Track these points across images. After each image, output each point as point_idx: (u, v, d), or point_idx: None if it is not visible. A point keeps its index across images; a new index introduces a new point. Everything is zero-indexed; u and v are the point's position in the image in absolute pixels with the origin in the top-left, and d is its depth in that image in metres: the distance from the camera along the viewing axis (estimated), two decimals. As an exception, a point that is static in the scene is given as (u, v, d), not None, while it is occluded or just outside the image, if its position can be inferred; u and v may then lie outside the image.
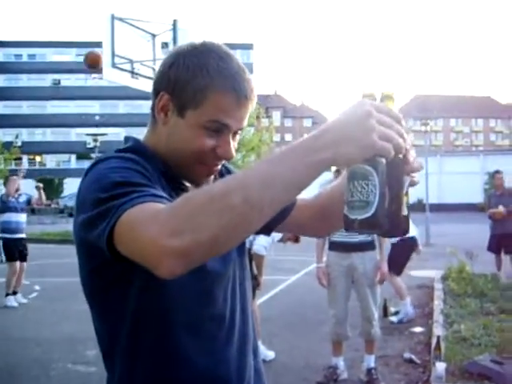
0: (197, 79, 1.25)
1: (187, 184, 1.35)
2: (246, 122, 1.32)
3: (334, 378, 5.21)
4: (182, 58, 1.28)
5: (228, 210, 0.96)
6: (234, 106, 1.26)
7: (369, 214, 1.01)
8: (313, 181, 1.01)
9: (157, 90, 1.31)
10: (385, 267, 5.18)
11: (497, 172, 10.18)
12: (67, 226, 18.42)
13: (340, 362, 5.30)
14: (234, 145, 1.31)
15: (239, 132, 1.32)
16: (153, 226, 0.98)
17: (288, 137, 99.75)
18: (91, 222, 1.11)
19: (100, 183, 1.13)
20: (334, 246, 5.20)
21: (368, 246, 5.12)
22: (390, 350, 6.12)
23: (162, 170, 1.29)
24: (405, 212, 1.08)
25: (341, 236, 5.08)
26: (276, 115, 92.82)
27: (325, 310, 5.48)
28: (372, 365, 5.20)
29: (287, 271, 11.29)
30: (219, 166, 1.33)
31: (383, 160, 1.01)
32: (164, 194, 1.13)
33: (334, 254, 5.22)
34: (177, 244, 0.95)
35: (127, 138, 1.39)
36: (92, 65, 8.06)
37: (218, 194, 0.97)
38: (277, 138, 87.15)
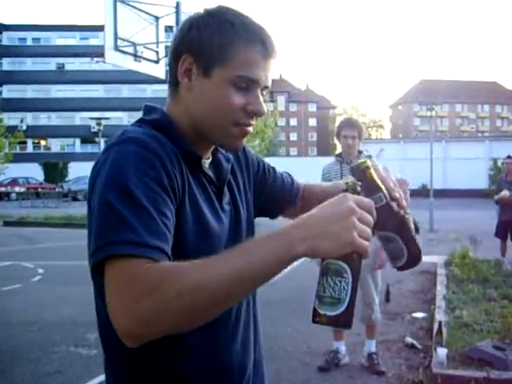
0: (222, 34, 1.20)
1: (205, 165, 1.31)
2: (270, 81, 1.28)
3: (335, 362, 5.21)
4: (200, 19, 1.23)
5: (194, 308, 0.99)
6: (262, 59, 1.22)
7: (338, 312, 1.02)
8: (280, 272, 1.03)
9: (177, 55, 1.24)
10: (382, 253, 5.14)
11: (509, 157, 10.09)
12: (71, 209, 18.43)
13: (341, 347, 5.30)
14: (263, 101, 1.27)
15: (264, 92, 1.28)
16: (125, 309, 0.98)
17: (293, 121, 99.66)
18: (92, 220, 1.11)
19: (114, 179, 1.08)
20: None
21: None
22: (392, 335, 6.12)
23: (184, 150, 1.24)
24: (419, 243, 1.21)
25: None
26: (281, 100, 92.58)
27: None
28: (373, 350, 5.19)
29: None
30: (252, 127, 1.29)
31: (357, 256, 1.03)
32: (162, 227, 1.07)
33: None
34: (140, 332, 0.99)
35: (151, 108, 1.31)
36: None
37: (188, 291, 0.97)
38: (282, 122, 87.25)
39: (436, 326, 5.40)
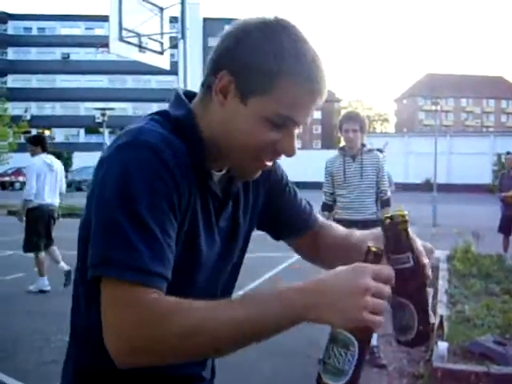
0: (268, 63, 1.08)
1: (214, 179, 1.22)
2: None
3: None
4: (252, 35, 1.11)
5: (191, 349, 1.00)
6: (307, 98, 1.11)
7: (340, 383, 0.99)
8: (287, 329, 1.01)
9: (217, 67, 1.13)
10: None
11: (508, 153, 10.15)
12: (74, 200, 18.48)
13: (342, 340, 5.31)
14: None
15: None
16: (124, 335, 0.99)
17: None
18: (95, 228, 1.06)
19: (123, 195, 1.02)
20: (339, 224, 5.19)
21: (372, 225, 5.08)
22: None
23: (198, 160, 1.15)
24: (432, 319, 1.11)
25: (346, 213, 5.10)
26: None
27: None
28: (374, 343, 5.21)
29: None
30: (272, 162, 1.19)
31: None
32: (166, 250, 1.04)
33: None
34: (133, 360, 1.01)
35: (181, 101, 1.21)
36: None
37: (188, 333, 0.97)
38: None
39: (437, 320, 5.40)
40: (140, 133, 1.08)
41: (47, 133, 64.42)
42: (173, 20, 9.09)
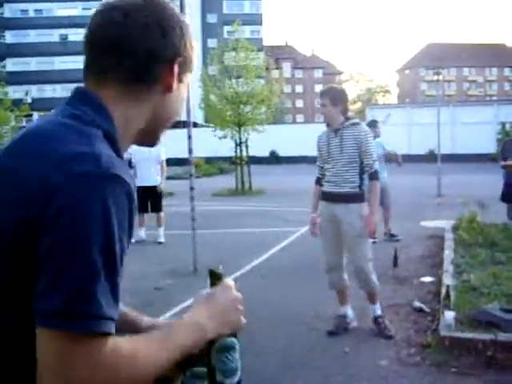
0: (190, 36, 1.22)
1: None
2: None
3: (343, 326, 5.28)
4: (176, 18, 1.20)
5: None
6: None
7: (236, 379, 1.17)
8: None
9: (165, 55, 1.16)
10: (372, 220, 5.09)
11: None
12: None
13: (348, 311, 5.35)
14: None
15: None
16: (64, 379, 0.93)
17: (299, 88, 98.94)
18: (59, 252, 0.95)
19: (101, 234, 0.96)
20: (324, 196, 5.31)
21: (354, 198, 5.10)
22: (400, 300, 6.17)
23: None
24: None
25: (329, 186, 5.20)
26: (286, 66, 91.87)
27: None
28: (378, 313, 5.25)
29: (297, 223, 11.36)
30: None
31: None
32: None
33: (323, 204, 5.30)
34: None
35: (99, 105, 1.13)
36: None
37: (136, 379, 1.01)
38: (287, 89, 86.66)
39: (444, 290, 5.44)
40: (102, 161, 1.00)
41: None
42: None
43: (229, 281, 1.22)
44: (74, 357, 0.94)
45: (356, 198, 5.10)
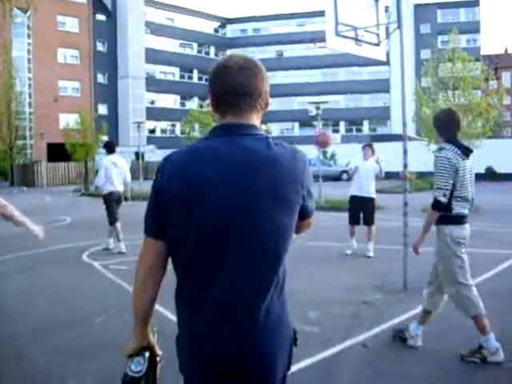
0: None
1: None
2: None
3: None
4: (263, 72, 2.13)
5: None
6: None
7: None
8: None
9: (262, 91, 2.03)
10: None
11: None
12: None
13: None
14: None
15: None
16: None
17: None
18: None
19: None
20: None
21: None
22: None
23: None
24: None
25: None
26: (506, 76, 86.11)
27: None
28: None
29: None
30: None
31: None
32: None
33: None
34: None
35: (253, 128, 2.02)
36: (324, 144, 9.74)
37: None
38: (507, 100, 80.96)
39: None
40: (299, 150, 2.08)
41: (264, 128, 67.72)
42: (386, 10, 8.95)
43: None
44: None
45: None
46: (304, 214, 1.99)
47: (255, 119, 1.97)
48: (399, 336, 5.34)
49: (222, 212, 1.79)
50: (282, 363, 1.88)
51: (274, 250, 1.85)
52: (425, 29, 67.27)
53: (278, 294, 1.87)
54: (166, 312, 5.44)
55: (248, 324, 1.80)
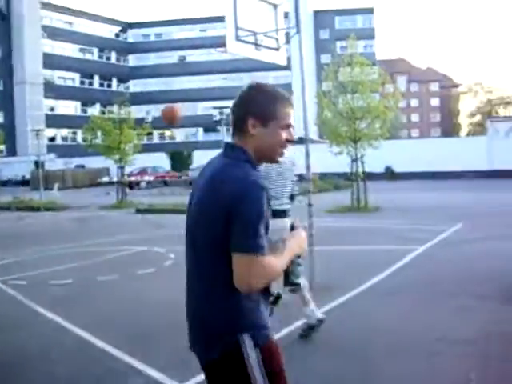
0: (272, 103, 2.22)
1: None
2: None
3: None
4: (254, 94, 2.25)
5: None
6: (292, 111, 2.28)
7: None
8: None
9: (246, 116, 2.21)
10: None
11: None
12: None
13: None
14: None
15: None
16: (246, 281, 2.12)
17: (414, 102, 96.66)
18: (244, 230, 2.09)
19: (257, 209, 2.09)
20: None
21: None
22: None
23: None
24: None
25: None
26: (401, 80, 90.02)
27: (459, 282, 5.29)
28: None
29: (415, 241, 11.04)
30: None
31: None
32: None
33: None
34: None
35: (236, 147, 2.25)
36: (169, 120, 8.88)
37: (274, 275, 2.19)
38: (402, 103, 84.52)
39: None
40: (255, 179, 2.12)
41: (168, 133, 67.16)
42: (286, 15, 9.13)
43: (300, 229, 2.39)
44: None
45: None
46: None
47: (237, 139, 2.28)
48: (307, 329, 5.52)
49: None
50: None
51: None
52: (324, 34, 69.19)
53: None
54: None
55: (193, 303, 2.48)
